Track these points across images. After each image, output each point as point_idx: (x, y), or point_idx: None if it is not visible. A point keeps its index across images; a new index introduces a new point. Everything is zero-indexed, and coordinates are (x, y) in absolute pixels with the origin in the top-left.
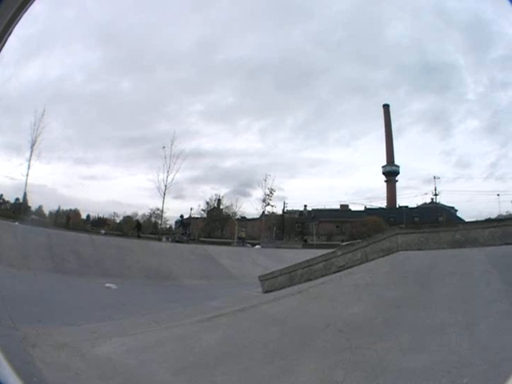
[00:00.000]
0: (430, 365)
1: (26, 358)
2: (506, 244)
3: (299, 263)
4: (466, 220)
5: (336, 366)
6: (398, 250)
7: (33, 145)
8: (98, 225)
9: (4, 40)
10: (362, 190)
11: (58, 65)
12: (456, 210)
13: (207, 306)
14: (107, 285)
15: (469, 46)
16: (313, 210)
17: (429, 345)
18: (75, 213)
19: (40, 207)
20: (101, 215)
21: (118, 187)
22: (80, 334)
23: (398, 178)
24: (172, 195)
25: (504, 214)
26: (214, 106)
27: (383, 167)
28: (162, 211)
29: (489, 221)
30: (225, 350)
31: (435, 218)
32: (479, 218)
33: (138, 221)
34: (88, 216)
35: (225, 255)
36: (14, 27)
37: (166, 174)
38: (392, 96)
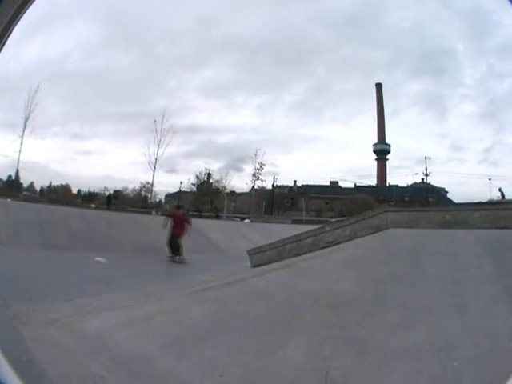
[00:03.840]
0: (419, 344)
1: (16, 337)
2: (497, 228)
3: (288, 238)
4: (457, 202)
5: (324, 341)
6: (387, 228)
7: (26, 121)
8: (89, 199)
9: (4, 40)
10: (355, 168)
11: (57, 43)
12: (446, 192)
13: (196, 279)
14: (97, 259)
15: (468, 33)
16: (303, 185)
17: (417, 324)
18: (66, 188)
19: (31, 184)
20: (92, 190)
21: (112, 162)
22: (71, 310)
23: (389, 157)
24: (165, 169)
25: (495, 198)
26: (212, 82)
27: (374, 145)
28: (152, 185)
29: (480, 204)
30: (213, 324)
31: (425, 198)
32: (471, 201)
33: (110, 193)
34: (79, 191)
35: (214, 229)
36: (13, 27)
37: (156, 148)
38: (390, 77)
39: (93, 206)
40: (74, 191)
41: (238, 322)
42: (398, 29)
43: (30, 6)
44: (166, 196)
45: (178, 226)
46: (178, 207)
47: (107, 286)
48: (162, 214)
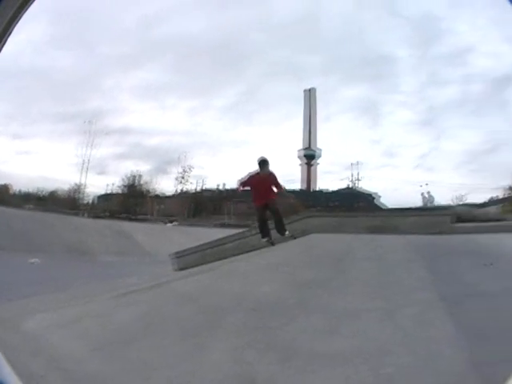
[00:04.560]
0: (347, 350)
1: None
2: (431, 233)
3: (212, 241)
4: (390, 207)
5: (248, 345)
6: (311, 233)
7: None
8: (26, 200)
9: (4, 40)
10: (284, 172)
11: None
12: (376, 197)
13: (123, 281)
14: (31, 260)
15: (413, 40)
16: (229, 189)
17: (344, 329)
18: (6, 187)
19: None
20: (30, 190)
21: (48, 162)
22: (7, 311)
23: (319, 161)
24: (96, 171)
25: (429, 204)
26: (147, 83)
27: (302, 150)
28: (81, 186)
29: (412, 209)
30: (139, 327)
31: (354, 203)
32: (404, 207)
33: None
34: (19, 191)
35: (141, 232)
36: (14, 27)
37: (87, 150)
38: (324, 82)
39: (28, 206)
40: (17, 191)
41: (165, 325)
42: (336, 34)
43: (29, 6)
44: (98, 197)
45: (261, 195)
46: (263, 164)
47: (41, 287)
48: (95, 217)
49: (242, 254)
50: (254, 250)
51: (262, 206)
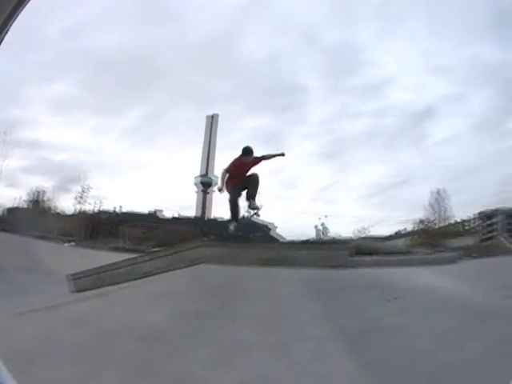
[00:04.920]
0: (238, 382)
1: None
2: (328, 267)
3: (107, 265)
4: (287, 239)
5: (138, 374)
6: (203, 262)
7: None
8: None
9: (1, 37)
10: (181, 198)
11: None
12: (272, 228)
13: (21, 300)
14: None
15: (329, 70)
16: (126, 212)
17: (236, 361)
18: None
19: None
20: None
21: None
22: None
23: (215, 189)
24: (6, 183)
25: (328, 236)
26: (58, 96)
27: (199, 177)
28: None
29: (308, 242)
30: (35, 347)
31: (249, 233)
32: (301, 239)
33: None
34: None
35: (39, 250)
36: (11, 25)
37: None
38: (229, 109)
39: None
40: None
41: (57, 349)
42: (248, 60)
43: (27, 3)
44: (7, 210)
45: (240, 175)
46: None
47: None
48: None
49: (134, 279)
50: (147, 276)
51: (238, 184)
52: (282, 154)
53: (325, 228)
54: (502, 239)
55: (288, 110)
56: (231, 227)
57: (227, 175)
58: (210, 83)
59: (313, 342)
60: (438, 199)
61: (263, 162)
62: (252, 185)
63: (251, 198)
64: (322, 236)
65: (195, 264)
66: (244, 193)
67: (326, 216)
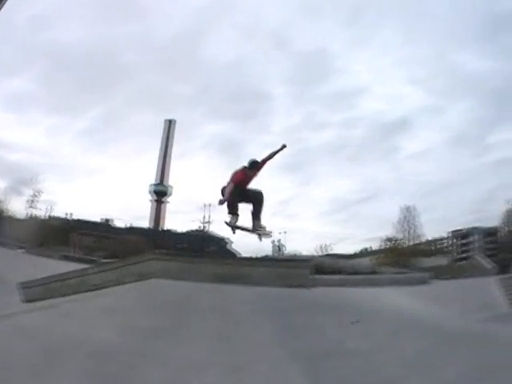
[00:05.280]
0: None
1: None
2: (285, 286)
3: (57, 275)
4: (243, 254)
5: None
6: (154, 277)
7: None
8: None
9: None
10: (133, 207)
11: None
12: (228, 242)
13: None
14: None
15: (297, 77)
16: (77, 220)
17: (189, 382)
18: None
19: None
20: None
21: None
22: None
23: (170, 199)
24: None
25: (284, 253)
26: (15, 92)
27: (152, 186)
28: None
29: (266, 259)
30: None
31: (204, 247)
32: (259, 254)
33: None
34: None
35: None
36: None
37: None
38: (187, 115)
39: None
40: None
41: (7, 360)
42: (213, 63)
43: None
44: None
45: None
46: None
47: None
48: None
49: (83, 292)
50: (96, 289)
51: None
52: (284, 146)
53: (281, 244)
54: (479, 259)
55: (250, 117)
56: (232, 221)
57: (232, 187)
58: (171, 86)
59: (269, 365)
60: (408, 216)
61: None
62: (257, 202)
63: (257, 218)
64: (278, 253)
65: (147, 278)
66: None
67: (285, 232)
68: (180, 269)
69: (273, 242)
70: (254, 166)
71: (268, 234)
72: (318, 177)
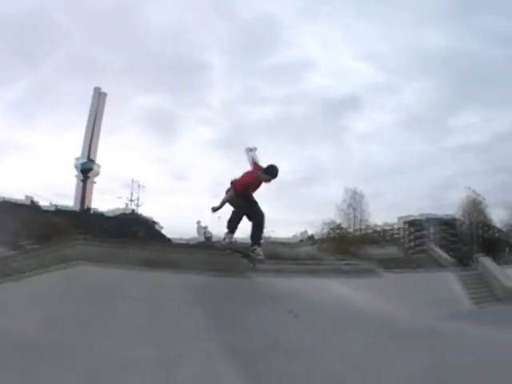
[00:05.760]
0: None
1: None
2: (218, 273)
3: None
4: (173, 237)
5: None
6: (80, 262)
7: None
8: None
9: None
10: (60, 186)
11: None
12: (158, 225)
13: None
14: None
15: (237, 47)
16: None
17: (115, 379)
18: None
19: None
20: None
21: None
22: None
23: (97, 178)
24: None
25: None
26: None
27: (79, 163)
28: None
29: (196, 244)
30: None
31: (132, 230)
32: (189, 237)
33: None
34: None
35: None
36: None
37: None
38: (119, 87)
39: None
40: None
41: None
42: (150, 32)
43: None
44: None
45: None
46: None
47: None
48: None
49: (5, 276)
50: (18, 274)
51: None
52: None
53: (202, 227)
54: (436, 250)
55: (186, 90)
56: (227, 240)
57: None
58: (104, 55)
59: (201, 360)
60: (354, 200)
61: None
62: (259, 224)
63: (257, 243)
64: (203, 235)
65: (72, 263)
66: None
67: (219, 217)
68: (107, 253)
69: (198, 222)
70: (276, 175)
71: (262, 260)
72: (257, 155)
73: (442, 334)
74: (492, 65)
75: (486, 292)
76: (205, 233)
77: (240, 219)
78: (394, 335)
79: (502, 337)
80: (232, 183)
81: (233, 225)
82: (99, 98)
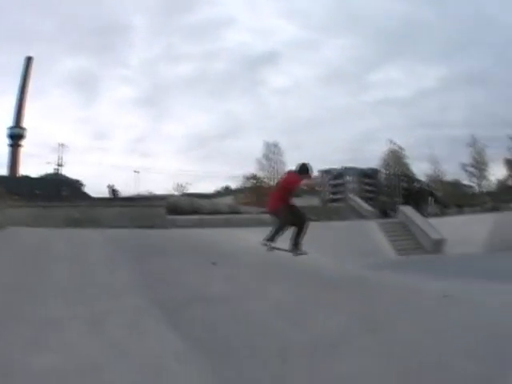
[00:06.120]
0: (60, 366)
1: None
2: (140, 227)
3: None
4: (96, 197)
5: None
6: (7, 225)
7: None
8: None
9: None
10: None
11: None
12: (82, 184)
13: None
14: None
15: (159, 6)
16: None
17: (51, 342)
18: None
19: None
20: None
21: None
22: None
23: (24, 142)
24: None
25: (146, 193)
26: None
27: (8, 129)
28: None
29: (119, 199)
30: None
31: (58, 192)
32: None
33: None
34: None
35: None
36: None
37: None
38: (46, 50)
39: None
40: None
41: None
42: None
43: None
44: None
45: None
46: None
47: None
48: None
49: None
50: None
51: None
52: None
53: (116, 189)
54: (357, 200)
55: (108, 51)
56: (268, 247)
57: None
58: (31, 22)
59: (129, 315)
60: (272, 153)
61: None
62: (303, 225)
63: (297, 246)
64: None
65: (1, 226)
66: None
67: (138, 171)
68: (34, 215)
69: (108, 186)
70: (307, 172)
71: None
72: (176, 112)
73: (371, 282)
74: (422, 24)
75: (409, 241)
76: (114, 193)
77: (285, 230)
78: (323, 284)
79: (426, 285)
80: (284, 184)
81: (277, 235)
82: (28, 63)
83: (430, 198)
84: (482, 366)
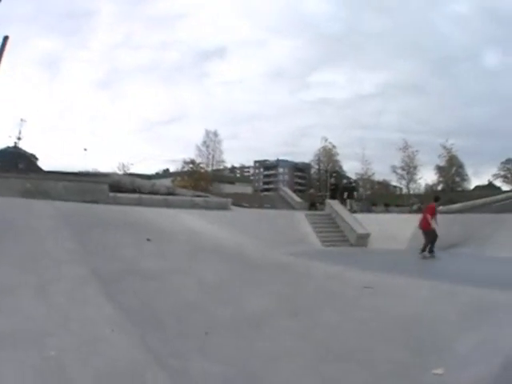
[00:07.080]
0: (8, 330)
1: None
2: (84, 201)
3: None
4: (52, 171)
5: None
6: None
7: None
8: None
9: None
10: None
11: None
12: (38, 158)
13: None
14: None
15: None
16: None
17: (3, 307)
18: None
19: None
20: None
21: None
22: None
23: None
24: None
25: (91, 170)
26: None
27: None
28: None
29: (67, 173)
30: None
31: (15, 164)
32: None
33: None
34: None
35: None
36: None
37: None
38: (25, 31)
39: None
40: None
41: None
42: None
43: None
44: None
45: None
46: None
47: None
48: None
49: None
50: None
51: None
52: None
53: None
54: (287, 191)
55: (75, 34)
56: (426, 256)
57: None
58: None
59: (71, 284)
60: (210, 141)
61: None
62: (433, 241)
63: (424, 250)
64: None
65: None
66: None
67: (85, 149)
68: None
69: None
70: (439, 199)
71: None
72: (128, 96)
73: (296, 269)
74: (367, 32)
75: (335, 233)
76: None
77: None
78: (248, 267)
79: (351, 275)
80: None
81: (428, 246)
82: (3, 42)
83: (354, 193)
84: (401, 351)
